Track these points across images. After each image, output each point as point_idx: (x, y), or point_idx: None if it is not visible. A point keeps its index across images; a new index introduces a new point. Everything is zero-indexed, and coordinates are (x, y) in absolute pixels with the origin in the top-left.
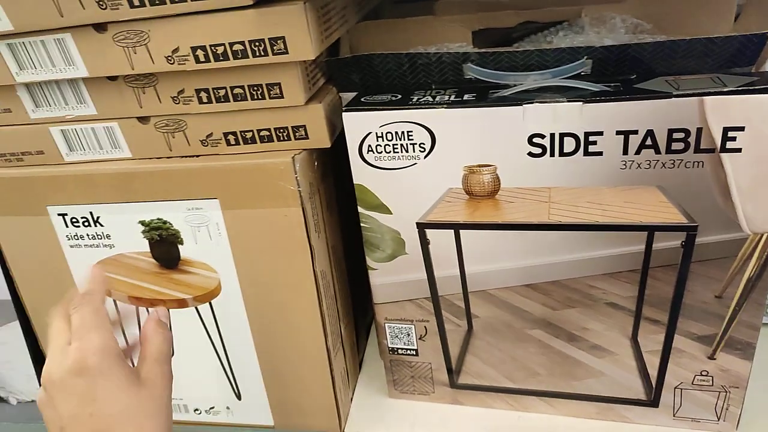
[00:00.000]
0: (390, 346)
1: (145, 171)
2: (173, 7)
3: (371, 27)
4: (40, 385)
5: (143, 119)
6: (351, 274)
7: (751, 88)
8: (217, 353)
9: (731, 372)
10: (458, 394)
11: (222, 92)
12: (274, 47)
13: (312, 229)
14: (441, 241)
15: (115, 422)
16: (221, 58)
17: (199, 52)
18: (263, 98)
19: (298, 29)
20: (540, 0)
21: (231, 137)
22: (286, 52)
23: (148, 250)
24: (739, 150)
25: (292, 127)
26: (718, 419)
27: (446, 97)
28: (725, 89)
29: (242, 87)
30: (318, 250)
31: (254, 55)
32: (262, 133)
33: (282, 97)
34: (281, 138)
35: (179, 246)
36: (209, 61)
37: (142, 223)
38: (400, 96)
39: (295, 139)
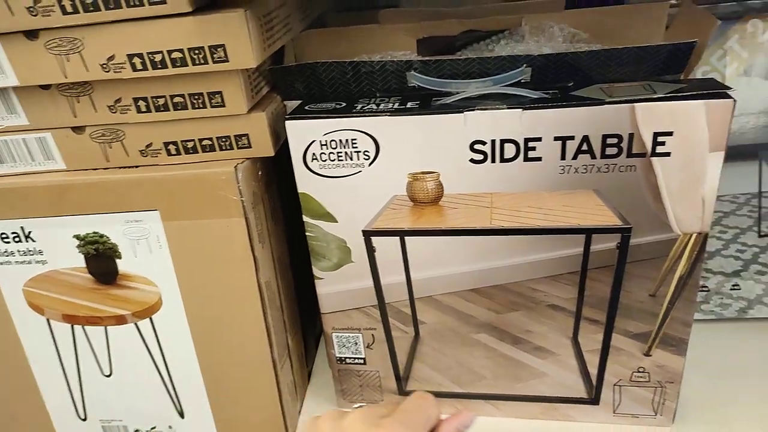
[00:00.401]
0: (338, 355)
1: (81, 183)
2: (108, 14)
3: (316, 35)
4: None
5: (78, 129)
6: (299, 284)
7: (678, 95)
8: (158, 370)
9: (666, 368)
10: None
11: (161, 101)
12: (215, 55)
13: (256, 239)
14: (387, 248)
15: None
16: (159, 66)
17: (136, 60)
18: (204, 107)
19: (238, 37)
20: (482, 9)
21: (172, 147)
22: (227, 60)
23: (84, 265)
24: (668, 154)
25: (234, 136)
26: (656, 414)
27: (390, 105)
28: (654, 96)
29: (182, 95)
30: (262, 261)
31: (194, 63)
32: (204, 143)
33: (224, 105)
34: (224, 147)
35: (117, 260)
36: (147, 69)
37: (78, 237)
38: (344, 104)
39: (238, 148)
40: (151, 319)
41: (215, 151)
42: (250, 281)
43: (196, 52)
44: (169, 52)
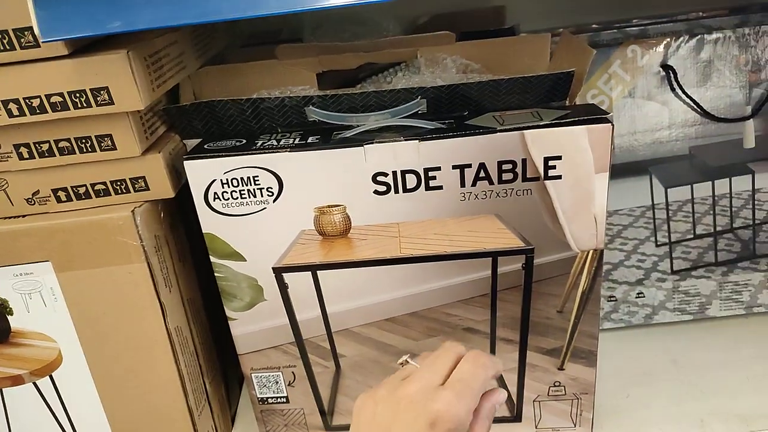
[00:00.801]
0: (259, 396)
1: None
2: None
3: (214, 72)
4: None
5: None
6: (216, 325)
7: (563, 121)
8: (63, 431)
9: (580, 380)
10: None
11: (45, 146)
12: (98, 98)
13: (161, 284)
14: (299, 283)
15: None
16: (38, 111)
17: (12, 106)
18: (94, 150)
19: (122, 79)
20: (378, 43)
21: (61, 193)
22: (112, 103)
23: None
24: (559, 177)
25: (130, 179)
26: (575, 425)
27: (291, 141)
28: (542, 123)
29: (68, 140)
30: (170, 306)
31: (76, 107)
32: (96, 187)
33: (115, 148)
34: (119, 191)
35: (8, 317)
36: (24, 115)
37: None
38: (244, 141)
39: (135, 191)
40: (51, 377)
41: (110, 195)
42: (158, 328)
43: (78, 95)
44: (48, 96)
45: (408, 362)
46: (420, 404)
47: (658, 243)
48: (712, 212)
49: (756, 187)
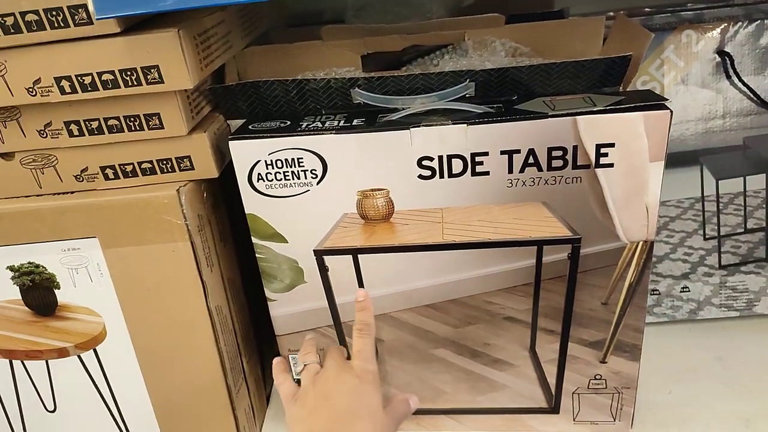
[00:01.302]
0: (295, 377)
1: (12, 211)
2: (31, 36)
3: (259, 52)
4: None
5: (7, 155)
6: (254, 306)
7: (618, 107)
8: (106, 404)
9: (622, 374)
10: None
11: (95, 124)
12: (148, 76)
13: (203, 263)
14: (340, 267)
15: (366, 413)
16: (89, 89)
17: (64, 83)
18: (142, 129)
19: (172, 57)
20: (424, 25)
21: (109, 171)
22: (162, 81)
23: (20, 297)
24: (611, 165)
25: (175, 158)
26: (614, 419)
27: (335, 123)
28: (595, 109)
29: (117, 118)
30: (211, 285)
31: (126, 85)
32: (143, 166)
33: (162, 127)
34: (165, 170)
35: (55, 291)
36: (76, 92)
37: (11, 268)
38: (288, 122)
39: (180, 170)
40: (95, 350)
41: (156, 174)
42: (200, 307)
43: (128, 73)
44: (99, 74)
45: (306, 366)
46: (339, 373)
47: (707, 236)
48: (764, 206)
49: None
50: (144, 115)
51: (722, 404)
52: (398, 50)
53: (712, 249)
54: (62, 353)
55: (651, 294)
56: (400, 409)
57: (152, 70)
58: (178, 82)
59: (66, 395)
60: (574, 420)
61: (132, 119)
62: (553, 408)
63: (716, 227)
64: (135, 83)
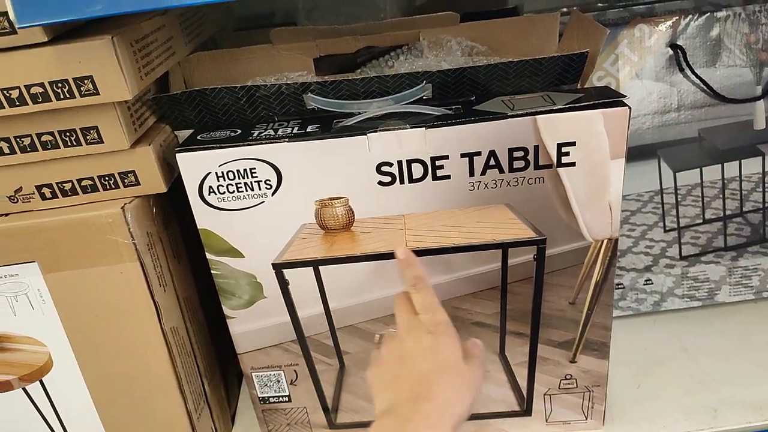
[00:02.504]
0: (260, 395)
1: None
2: None
3: (205, 58)
4: None
5: None
6: (215, 324)
7: (577, 105)
8: None
9: (592, 372)
10: None
11: (27, 140)
12: (82, 88)
13: (155, 283)
14: (301, 279)
15: (446, 371)
16: (17, 103)
17: None
18: (79, 144)
19: (107, 67)
20: (378, 25)
21: (46, 190)
22: (97, 93)
23: None
24: (573, 164)
25: (119, 173)
26: (586, 418)
27: (289, 130)
28: (555, 108)
29: (51, 133)
30: (165, 306)
31: (58, 98)
32: (83, 183)
33: (102, 141)
34: (107, 187)
35: None
36: (3, 107)
37: None
38: (239, 131)
39: (125, 186)
40: (41, 382)
41: (98, 191)
42: (153, 330)
43: (60, 85)
44: (27, 87)
45: (383, 335)
46: (414, 328)
47: (667, 228)
48: (721, 196)
49: (766, 170)
50: (81, 129)
51: (690, 396)
52: (352, 52)
53: (673, 240)
54: (5, 386)
55: (616, 288)
56: (477, 353)
57: (86, 81)
58: (116, 93)
59: (12, 430)
60: (546, 421)
61: (68, 134)
62: (526, 410)
63: (676, 219)
64: (68, 96)
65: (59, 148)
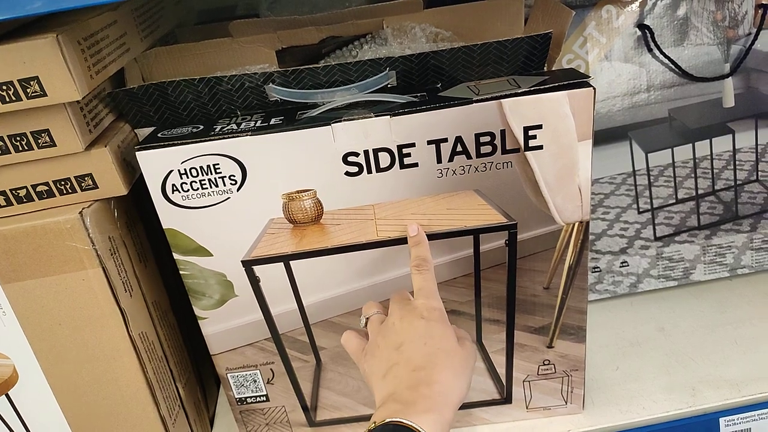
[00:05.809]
0: (237, 396)
1: None
2: None
3: (164, 53)
4: None
5: None
6: (187, 325)
7: (542, 87)
8: None
9: (569, 356)
10: None
11: None
12: (28, 90)
13: (120, 289)
14: (272, 276)
15: (442, 355)
16: None
17: None
18: (30, 149)
19: (53, 66)
20: (340, 14)
21: None
22: (45, 94)
23: None
24: (540, 147)
25: (75, 177)
26: (566, 403)
27: (252, 124)
28: (520, 90)
29: (1, 138)
30: (132, 312)
31: (3, 101)
32: (38, 189)
33: (54, 145)
34: (64, 191)
35: None
36: None
37: None
38: (201, 127)
39: (82, 190)
40: (8, 395)
41: (54, 197)
42: (121, 336)
43: (4, 87)
44: None
45: (369, 318)
46: (407, 314)
47: (641, 210)
48: (693, 175)
49: (737, 147)
50: (31, 132)
51: (668, 376)
52: (315, 43)
53: (647, 222)
54: None
55: (592, 272)
56: (466, 335)
57: (32, 83)
58: (64, 94)
59: None
60: (527, 408)
61: (18, 138)
62: (505, 398)
63: (649, 200)
64: (13, 98)
65: (10, 153)
